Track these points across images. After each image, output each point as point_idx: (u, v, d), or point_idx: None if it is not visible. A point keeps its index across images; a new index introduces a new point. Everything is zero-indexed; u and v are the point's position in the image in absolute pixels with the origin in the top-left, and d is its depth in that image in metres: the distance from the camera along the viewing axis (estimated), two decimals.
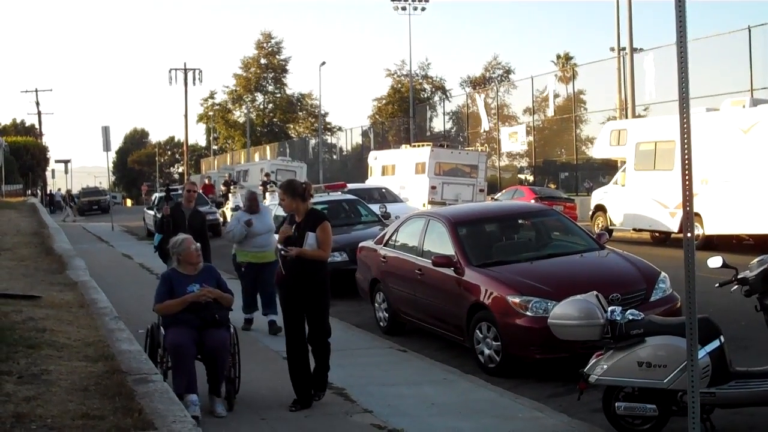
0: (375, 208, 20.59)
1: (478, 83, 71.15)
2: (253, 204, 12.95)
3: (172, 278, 8.37)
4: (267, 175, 39.18)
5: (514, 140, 46.09)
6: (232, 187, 37.12)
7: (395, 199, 27.70)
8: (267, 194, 29.23)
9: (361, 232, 17.06)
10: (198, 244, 8.66)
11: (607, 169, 36.60)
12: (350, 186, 27.51)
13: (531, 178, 45.88)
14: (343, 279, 14.45)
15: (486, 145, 49.69)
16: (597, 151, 28.99)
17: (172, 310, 8.10)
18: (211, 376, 8.12)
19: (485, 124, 49.11)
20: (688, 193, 5.62)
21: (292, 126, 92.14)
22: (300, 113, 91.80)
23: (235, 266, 13.20)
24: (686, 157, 5.51)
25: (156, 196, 36.13)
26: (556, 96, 44.73)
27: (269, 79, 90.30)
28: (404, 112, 64.99)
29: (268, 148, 79.08)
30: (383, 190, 28.69)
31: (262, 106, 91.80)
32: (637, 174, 23.44)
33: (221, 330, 8.15)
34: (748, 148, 19.72)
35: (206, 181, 42.92)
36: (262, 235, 12.61)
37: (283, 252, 8.46)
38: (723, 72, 34.67)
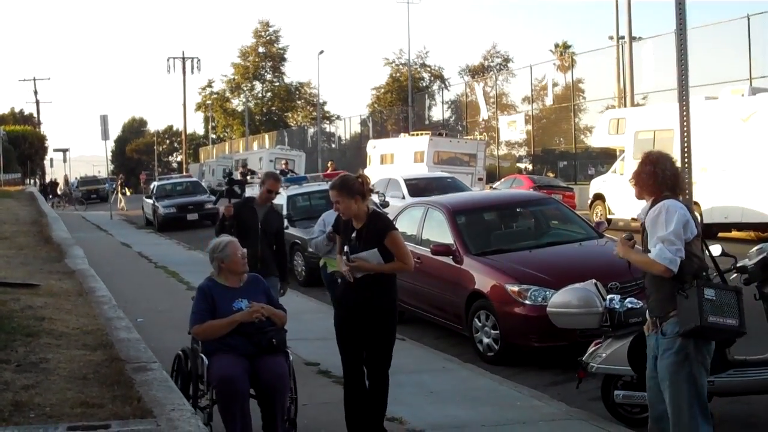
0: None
1: (477, 72, 71.09)
2: None
3: (213, 292, 6.69)
4: (286, 163, 38.26)
5: (513, 129, 46.09)
6: (248, 177, 33.44)
7: (463, 191, 21.98)
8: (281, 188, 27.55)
9: None
10: (244, 250, 6.97)
11: (605, 158, 36.58)
12: (410, 175, 25.73)
13: (530, 166, 45.85)
14: None
15: (485, 133, 49.60)
16: (596, 140, 28.99)
17: (216, 332, 6.47)
18: (267, 416, 6.46)
19: (484, 113, 49.08)
20: (687, 181, 5.61)
21: (290, 115, 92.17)
22: (298, 102, 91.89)
23: (326, 280, 9.93)
24: (686, 145, 5.51)
25: (154, 184, 36.00)
26: (554, 85, 44.73)
27: (267, 67, 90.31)
28: (403, 100, 64.95)
29: (266, 136, 79.05)
30: (448, 180, 23.80)
31: (260, 95, 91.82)
32: (636, 163, 23.40)
33: (278, 358, 6.54)
34: (746, 137, 19.70)
35: (329, 166, 36.09)
36: None
37: (345, 267, 6.74)
38: (722, 60, 34.62)
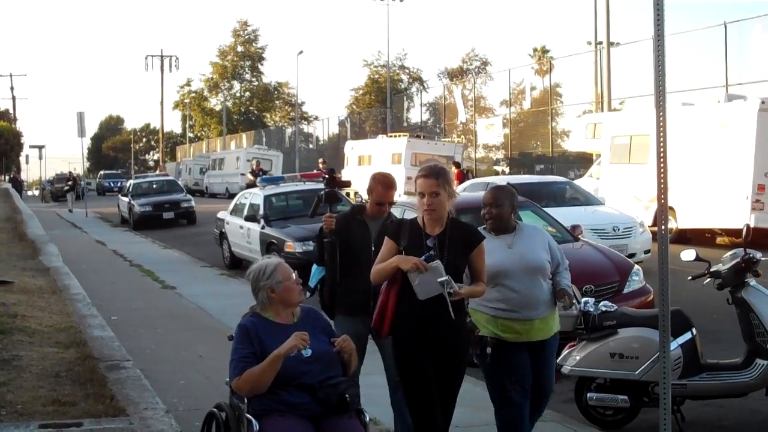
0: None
1: (456, 75, 71.23)
2: (504, 216, 6.18)
3: (260, 331, 4.99)
4: (324, 162, 37.40)
5: (491, 132, 46.30)
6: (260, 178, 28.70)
7: (588, 201, 17.56)
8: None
9: None
10: (294, 272, 5.23)
11: (582, 162, 36.78)
12: (519, 179, 19.82)
13: (507, 170, 46.01)
14: None
15: (462, 136, 49.74)
16: (573, 144, 29.16)
17: (260, 382, 4.77)
18: None
19: (462, 116, 49.21)
20: (663, 186, 5.64)
21: (268, 115, 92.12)
22: (277, 102, 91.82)
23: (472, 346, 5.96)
24: (661, 150, 5.54)
25: (131, 182, 35.68)
26: (532, 89, 44.93)
27: (246, 67, 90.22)
28: (381, 102, 65.02)
29: (244, 136, 78.90)
30: (561, 184, 18.91)
31: (238, 95, 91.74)
32: (612, 167, 23.55)
33: (353, 421, 4.96)
34: (722, 143, 19.85)
35: (321, 165, 31.68)
36: (526, 280, 5.94)
37: (450, 290, 5.04)
38: (699, 67, 34.94)
